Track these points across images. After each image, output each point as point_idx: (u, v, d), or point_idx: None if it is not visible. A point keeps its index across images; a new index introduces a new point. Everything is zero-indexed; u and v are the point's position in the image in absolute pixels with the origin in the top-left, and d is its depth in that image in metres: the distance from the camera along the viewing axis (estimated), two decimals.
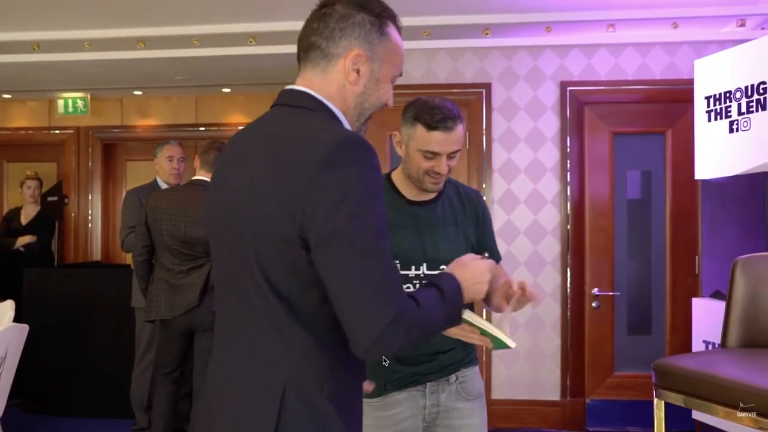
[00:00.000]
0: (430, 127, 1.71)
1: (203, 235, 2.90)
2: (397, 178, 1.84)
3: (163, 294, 2.95)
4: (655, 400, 1.69)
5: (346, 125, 1.21)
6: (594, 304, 3.91)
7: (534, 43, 3.88)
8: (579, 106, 3.91)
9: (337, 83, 1.19)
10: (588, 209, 3.95)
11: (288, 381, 1.08)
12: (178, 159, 3.67)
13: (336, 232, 1.03)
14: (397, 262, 1.70)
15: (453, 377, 1.77)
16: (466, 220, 1.85)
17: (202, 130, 5.56)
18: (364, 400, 1.74)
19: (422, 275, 1.74)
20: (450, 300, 1.16)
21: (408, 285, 1.71)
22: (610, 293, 3.90)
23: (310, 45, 1.20)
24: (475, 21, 3.75)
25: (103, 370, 3.96)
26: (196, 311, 2.93)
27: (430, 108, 1.72)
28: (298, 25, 4.08)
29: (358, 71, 1.19)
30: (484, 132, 3.95)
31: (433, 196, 1.82)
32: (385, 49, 1.20)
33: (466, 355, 1.80)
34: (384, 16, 1.21)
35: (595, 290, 3.90)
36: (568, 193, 3.89)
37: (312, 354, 1.09)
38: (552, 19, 3.73)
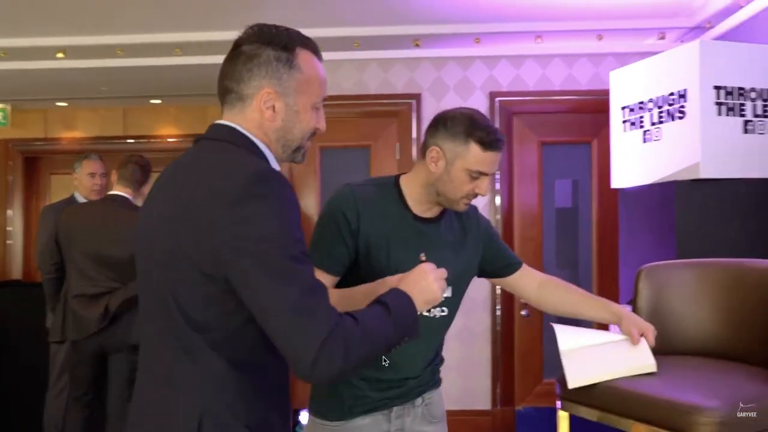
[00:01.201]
0: (487, 146, 1.58)
1: (118, 255, 2.81)
2: (409, 188, 1.68)
3: (70, 314, 2.83)
4: (559, 413, 1.70)
5: (271, 158, 1.21)
6: (523, 313, 3.95)
7: (463, 54, 3.92)
8: (508, 117, 3.96)
9: (255, 121, 1.19)
10: (517, 218, 3.99)
11: (205, 409, 1.08)
12: (100, 174, 3.56)
13: (251, 263, 1.04)
14: None
15: (419, 400, 1.71)
16: (465, 241, 1.76)
17: (130, 143, 5.41)
18: (323, 423, 1.67)
19: None
20: (398, 313, 1.17)
21: None
22: None
23: (224, 89, 1.21)
24: (405, 32, 3.76)
25: (18, 393, 3.80)
26: (108, 332, 2.83)
27: (484, 126, 1.59)
28: (225, 35, 3.98)
29: (273, 108, 1.19)
30: (414, 142, 3.96)
31: (438, 213, 1.71)
32: (297, 81, 1.19)
33: (432, 378, 1.76)
34: (292, 47, 1.20)
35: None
36: (498, 202, 3.93)
37: (229, 381, 1.10)
38: (481, 31, 3.76)
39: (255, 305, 1.05)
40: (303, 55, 1.21)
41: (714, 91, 2.31)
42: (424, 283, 1.26)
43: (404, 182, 1.71)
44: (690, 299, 1.80)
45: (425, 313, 1.60)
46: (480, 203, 3.91)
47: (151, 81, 4.59)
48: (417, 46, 3.86)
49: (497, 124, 3.90)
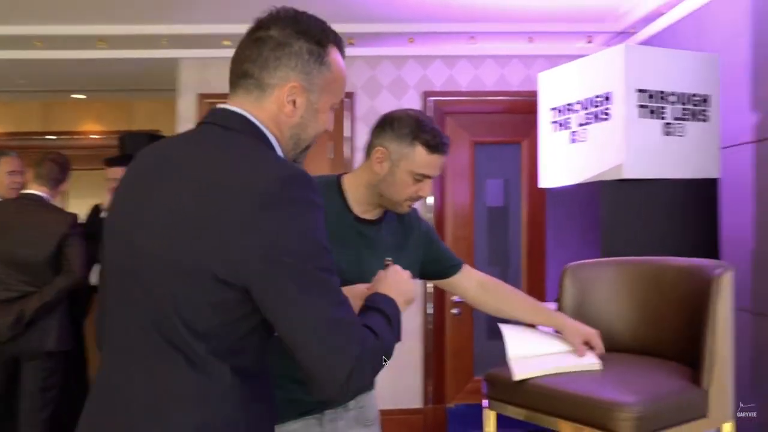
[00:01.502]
0: (433, 149, 1.59)
1: (33, 257, 2.67)
2: (351, 188, 1.66)
3: None
4: (486, 411, 1.71)
5: (280, 153, 1.13)
6: (454, 311, 3.98)
7: (397, 53, 3.92)
8: (441, 116, 3.98)
9: (271, 113, 1.11)
10: (449, 217, 4.02)
11: (203, 421, 1.00)
12: (19, 172, 3.39)
13: (283, 274, 0.97)
14: None
15: (352, 403, 1.68)
16: (407, 243, 1.74)
17: (51, 139, 5.18)
18: None
19: None
20: (395, 324, 1.14)
21: None
22: None
23: (242, 72, 1.12)
24: (339, 30, 3.68)
25: None
26: (22, 338, 2.68)
27: (430, 128, 1.60)
28: (151, 29, 3.83)
29: (294, 103, 1.11)
30: (347, 141, 3.94)
31: (379, 214, 1.69)
32: (324, 79, 1.13)
33: None
34: (325, 43, 1.13)
35: (455, 297, 3.96)
36: (431, 201, 3.95)
37: (231, 390, 1.02)
38: (415, 30, 3.77)
39: (283, 318, 0.98)
40: (333, 54, 1.15)
41: (637, 94, 2.37)
42: (404, 287, 1.24)
43: (347, 182, 1.69)
44: (612, 297, 1.83)
45: None
46: None
47: (73, 75, 4.40)
48: (351, 44, 3.82)
49: None
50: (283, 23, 1.12)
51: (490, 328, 4.06)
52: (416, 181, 1.62)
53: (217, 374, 1.01)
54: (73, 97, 5.07)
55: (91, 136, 5.17)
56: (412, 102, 3.95)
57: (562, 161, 2.66)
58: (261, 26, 1.13)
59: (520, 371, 1.60)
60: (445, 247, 1.86)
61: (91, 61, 3.97)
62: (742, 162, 2.73)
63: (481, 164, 4.06)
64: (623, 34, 3.76)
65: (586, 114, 2.52)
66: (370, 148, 1.66)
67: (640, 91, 2.37)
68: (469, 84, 3.98)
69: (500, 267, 4.15)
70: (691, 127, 2.49)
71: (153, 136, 4.30)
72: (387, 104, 3.94)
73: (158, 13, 3.45)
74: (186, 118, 3.90)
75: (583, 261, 1.93)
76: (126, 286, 1.06)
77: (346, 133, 3.93)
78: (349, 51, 4.15)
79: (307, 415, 1.61)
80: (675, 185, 2.45)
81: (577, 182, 2.57)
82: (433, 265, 1.81)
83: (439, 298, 3.95)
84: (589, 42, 3.91)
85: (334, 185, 1.68)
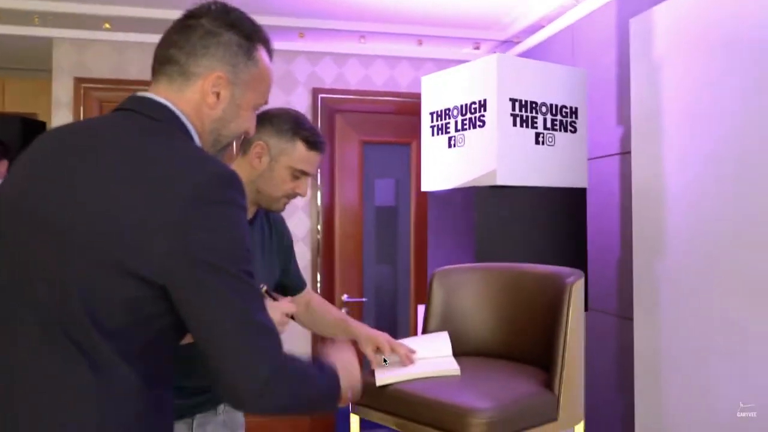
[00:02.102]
0: (312, 146, 1.61)
1: None
2: None
3: None
4: (351, 416, 1.71)
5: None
6: (344, 309, 3.99)
7: (287, 47, 3.86)
8: (330, 114, 3.96)
9: (194, 103, 1.08)
10: (338, 216, 4.02)
11: (99, 424, 0.94)
12: None
13: (208, 272, 0.95)
14: None
15: (221, 407, 1.65)
16: (271, 247, 1.75)
17: None
18: None
19: None
20: (329, 391, 1.13)
21: None
22: (359, 299, 4.02)
23: (167, 58, 1.08)
24: None
25: None
26: None
27: (309, 126, 1.62)
28: (21, 3, 3.54)
29: (218, 95, 1.08)
30: None
31: (252, 214, 1.67)
32: (251, 74, 1.11)
33: None
34: (254, 39, 1.12)
35: (345, 296, 3.99)
36: (319, 200, 3.93)
37: (134, 395, 0.96)
38: (305, 26, 3.72)
39: (203, 318, 0.96)
40: (262, 52, 1.14)
41: (510, 103, 2.45)
42: (353, 377, 1.24)
43: None
44: (476, 302, 1.89)
45: None
46: (302, 200, 3.88)
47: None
48: None
49: (320, 121, 3.90)
50: (214, 14, 1.11)
51: (378, 328, 4.08)
52: (294, 177, 1.64)
53: (119, 377, 0.96)
54: None
55: None
56: (301, 98, 3.90)
57: (442, 165, 2.71)
58: (192, 15, 1.12)
59: (381, 377, 1.62)
60: (296, 263, 1.90)
61: None
62: (608, 173, 2.89)
63: (371, 163, 4.08)
64: (507, 43, 3.89)
65: (463, 120, 2.58)
66: (247, 145, 1.66)
67: (513, 100, 2.45)
68: (358, 83, 3.98)
69: (388, 265, 4.19)
70: (561, 137, 2.60)
71: (27, 120, 4.00)
72: (276, 99, 3.86)
73: None
74: (62, 102, 3.66)
75: (450, 266, 1.97)
76: (24, 272, 0.98)
77: None
78: None
79: (177, 420, 1.56)
80: (545, 193, 2.56)
81: (454, 186, 2.63)
82: (283, 278, 1.83)
83: (329, 296, 3.93)
84: (477, 48, 4.01)
85: None
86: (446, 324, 1.85)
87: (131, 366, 0.97)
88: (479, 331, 1.88)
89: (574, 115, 2.64)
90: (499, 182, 2.44)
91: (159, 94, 1.09)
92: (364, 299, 4.02)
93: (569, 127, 2.62)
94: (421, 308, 3.00)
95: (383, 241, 4.18)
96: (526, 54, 3.74)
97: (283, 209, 1.72)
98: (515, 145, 2.47)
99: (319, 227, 3.93)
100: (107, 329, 0.95)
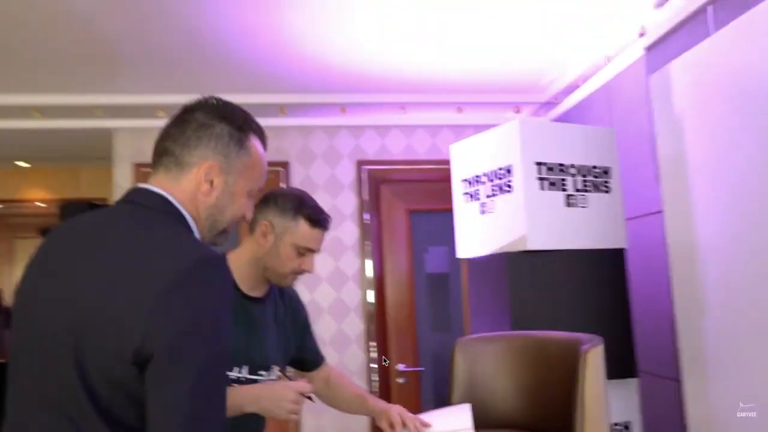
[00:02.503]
0: (315, 223, 1.69)
1: None
2: (236, 264, 1.69)
3: None
4: None
5: (197, 234, 1.17)
6: (400, 380, 3.95)
7: (330, 123, 4.01)
8: (376, 184, 4.06)
9: (189, 192, 1.16)
10: (389, 285, 4.04)
11: None
12: None
13: (174, 357, 0.98)
14: None
15: None
16: (286, 323, 1.82)
17: None
18: None
19: (243, 378, 1.67)
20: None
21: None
22: (416, 368, 3.97)
23: (164, 150, 1.18)
24: (271, 100, 3.82)
25: None
26: None
27: (312, 205, 1.71)
28: (85, 99, 3.85)
29: (211, 183, 1.16)
30: None
31: (265, 292, 1.76)
32: (242, 163, 1.19)
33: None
34: (246, 129, 1.20)
35: (400, 366, 3.95)
36: (369, 269, 3.97)
37: None
38: (346, 101, 3.88)
39: (155, 398, 0.98)
40: (254, 141, 1.22)
41: (536, 167, 2.45)
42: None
43: (232, 258, 1.74)
44: (499, 372, 1.87)
45: (248, 378, 1.67)
46: (352, 270, 3.94)
47: (14, 143, 4.42)
48: (283, 114, 3.92)
49: (365, 192, 4.00)
50: (208, 108, 1.20)
51: (436, 396, 4.03)
52: (299, 254, 1.71)
53: None
54: (17, 165, 5.07)
55: (38, 203, 5.16)
56: (346, 170, 4.02)
57: (475, 231, 2.71)
58: (188, 109, 1.21)
59: None
60: (315, 339, 1.93)
61: (29, 131, 3.99)
62: (650, 231, 2.81)
63: (419, 231, 4.12)
64: (548, 105, 3.90)
65: (492, 186, 2.59)
66: (254, 224, 1.75)
67: (539, 163, 2.45)
68: (401, 153, 4.08)
69: (444, 333, 4.15)
70: (594, 198, 2.56)
71: (92, 204, 4.30)
72: (321, 173, 4.01)
73: (92, 83, 3.52)
74: (123, 186, 3.92)
75: (474, 335, 1.97)
76: (32, 367, 1.07)
77: None
78: (282, 121, 4.24)
79: None
80: (581, 256, 2.51)
81: (488, 253, 2.61)
82: (299, 353, 1.88)
83: (384, 366, 3.92)
84: (517, 111, 4.05)
85: None
86: (470, 395, 1.83)
87: None
88: (502, 402, 1.85)
89: (606, 175, 2.60)
90: (530, 247, 2.42)
91: (157, 185, 1.18)
92: (420, 368, 3.97)
93: (602, 187, 2.59)
94: None
95: (437, 309, 4.15)
96: (565, 115, 3.74)
97: (292, 285, 1.79)
98: (544, 208, 2.46)
99: (369, 297, 3.96)
100: (102, 408, 1.01)
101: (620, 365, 2.48)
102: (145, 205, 1.14)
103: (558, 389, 1.69)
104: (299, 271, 1.73)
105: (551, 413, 1.71)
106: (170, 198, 1.15)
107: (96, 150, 4.38)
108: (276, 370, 1.71)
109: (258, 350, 1.72)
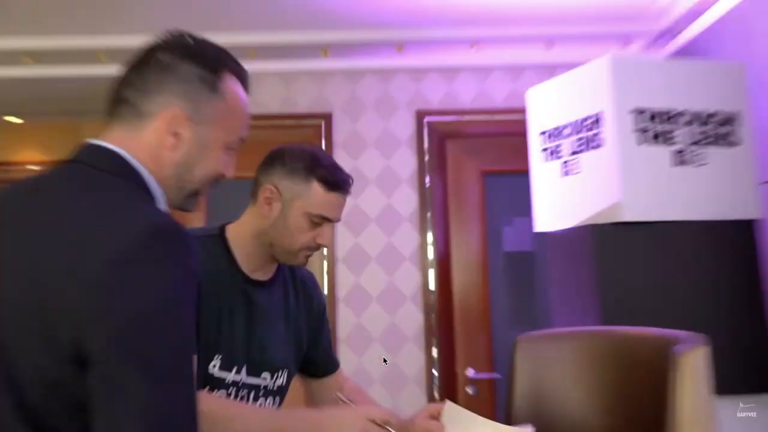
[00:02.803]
0: (332, 186, 1.69)
1: None
2: (237, 240, 1.72)
3: None
4: None
5: (159, 198, 1.18)
6: (469, 390, 3.92)
7: (383, 65, 3.97)
8: (440, 140, 4.00)
9: (150, 147, 1.17)
10: (456, 267, 4.00)
11: None
12: None
13: (123, 352, 0.98)
14: (220, 357, 1.64)
15: None
16: (298, 313, 1.82)
17: None
18: None
19: (240, 383, 1.68)
20: None
21: (221, 391, 1.64)
22: (490, 375, 3.93)
23: (119, 98, 1.19)
24: (311, 39, 3.81)
25: None
26: None
27: (328, 163, 1.71)
28: (89, 41, 3.95)
29: (177, 135, 1.17)
30: None
31: (272, 274, 1.77)
32: (216, 110, 1.20)
33: None
34: (219, 69, 1.21)
35: (470, 372, 3.92)
36: (431, 248, 3.94)
37: None
38: (405, 37, 3.82)
39: (105, 402, 0.97)
40: (230, 82, 1.23)
41: (633, 116, 2.34)
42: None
43: (232, 234, 1.75)
44: (572, 379, 1.81)
45: (252, 381, 1.68)
46: (409, 249, 3.92)
47: (0, 96, 4.59)
48: (325, 56, 3.90)
49: (427, 150, 3.94)
50: (171, 45, 1.21)
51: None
52: (313, 225, 1.69)
53: None
54: (6, 120, 5.21)
55: (30, 166, 5.33)
56: (403, 123, 3.98)
57: (556, 199, 2.64)
58: (148, 50, 1.22)
59: None
60: (329, 338, 1.92)
61: (19, 80, 4.13)
62: None
63: (494, 199, 4.04)
64: (664, 36, 3.72)
65: (577, 140, 2.51)
66: (256, 189, 1.75)
67: (638, 111, 2.34)
68: (473, 100, 3.99)
69: (525, 329, 4.06)
70: (714, 154, 2.43)
71: None
72: (373, 127, 3.98)
73: (93, 23, 3.59)
74: None
75: (537, 332, 1.93)
76: None
77: None
78: (324, 64, 4.25)
79: None
80: (694, 230, 2.39)
81: (571, 226, 2.53)
82: (311, 353, 1.86)
83: (448, 372, 3.91)
84: (625, 45, 3.87)
85: (217, 239, 1.72)
86: (534, 408, 1.80)
87: None
88: (576, 415, 1.79)
89: (731, 124, 2.46)
90: (627, 218, 2.34)
91: (111, 141, 1.18)
92: (495, 375, 3.91)
93: (726, 140, 2.44)
94: None
95: (518, 298, 4.09)
96: (687, 48, 3.55)
97: (304, 264, 1.77)
98: (645, 168, 2.35)
99: (432, 283, 3.93)
100: (36, 417, 1.01)
101: (751, 376, 2.35)
102: (94, 166, 1.14)
103: (647, 403, 1.61)
104: (313, 247, 1.72)
105: (639, 427, 1.64)
106: (126, 155, 1.15)
107: (99, 102, 4.48)
108: (336, 396, 1.68)
109: (261, 347, 1.72)
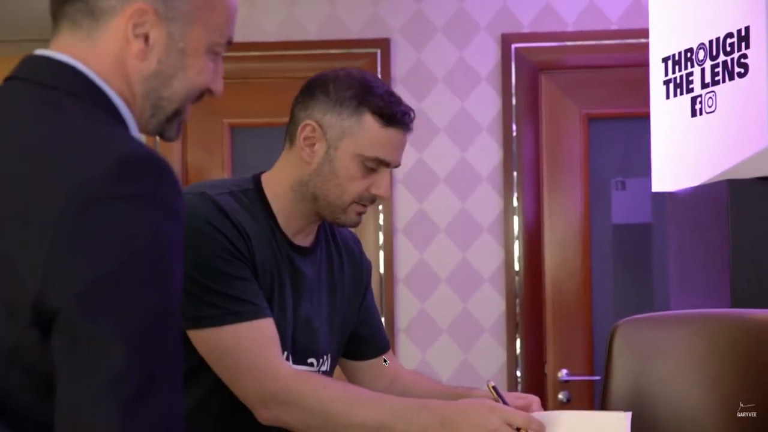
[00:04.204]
0: (389, 119, 1.72)
1: None
2: (276, 193, 1.78)
3: None
4: None
5: (131, 123, 1.20)
6: (562, 396, 3.93)
7: None
8: (532, 74, 3.98)
9: (114, 56, 1.17)
10: (549, 241, 4.00)
11: None
12: None
13: (93, 312, 1.01)
14: None
15: None
16: (344, 287, 1.89)
17: None
18: None
19: None
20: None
21: None
22: (590, 377, 3.93)
23: None
24: None
25: None
26: None
27: (382, 90, 1.75)
28: None
29: (146, 38, 1.17)
30: None
31: (313, 238, 1.84)
32: (192, 1, 1.20)
33: None
34: None
35: (564, 373, 3.91)
36: (517, 215, 3.93)
37: None
38: None
39: (73, 366, 1.01)
40: None
41: None
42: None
43: (269, 186, 1.79)
44: (683, 370, 1.85)
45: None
46: (489, 217, 3.92)
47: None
48: None
49: (515, 87, 3.92)
50: None
51: None
52: (367, 170, 1.72)
53: None
54: None
55: None
56: (485, 51, 3.96)
57: (682, 147, 2.62)
58: None
59: None
60: (376, 309, 1.99)
61: None
62: None
63: (601, 154, 4.00)
64: None
65: (713, 67, 2.47)
66: (293, 128, 1.77)
67: None
68: (578, 21, 3.94)
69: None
70: None
71: None
72: (443, 56, 3.98)
73: None
74: None
75: (643, 315, 1.97)
76: None
77: None
78: None
79: None
80: None
81: (702, 182, 2.52)
82: (358, 329, 1.92)
83: (536, 373, 3.94)
84: None
85: (254, 195, 1.77)
86: (635, 404, 1.80)
87: None
88: (690, 423, 1.81)
89: None
90: None
91: (61, 49, 1.17)
92: (596, 378, 3.91)
93: None
94: None
95: (630, 281, 4.07)
96: None
97: (357, 222, 1.81)
98: None
99: (518, 261, 3.92)
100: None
101: None
102: (42, 83, 1.14)
103: None
104: (368, 198, 1.75)
105: None
106: (83, 69, 1.15)
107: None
108: (490, 386, 1.73)
109: (307, 329, 1.78)
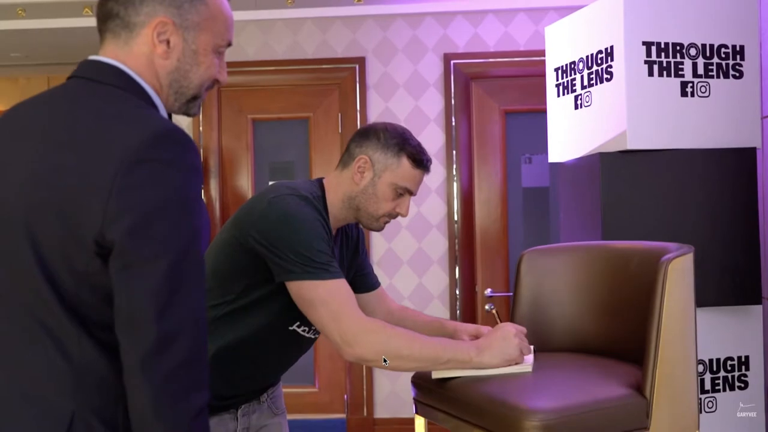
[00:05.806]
0: (419, 163, 1.75)
1: None
2: (333, 202, 1.77)
3: None
4: (415, 417, 1.70)
5: (161, 107, 1.18)
6: (487, 307, 3.94)
7: (413, 10, 3.89)
8: (465, 82, 3.93)
9: (145, 57, 1.16)
10: (478, 199, 3.98)
11: (76, 409, 1.04)
12: None
13: (138, 244, 1.01)
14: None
15: (264, 395, 1.83)
16: (348, 254, 1.89)
17: None
18: None
19: (310, 336, 1.77)
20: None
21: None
22: (506, 293, 3.94)
23: (107, 12, 1.17)
24: None
25: None
26: None
27: (416, 143, 1.78)
28: None
29: (168, 43, 1.16)
30: (358, 112, 3.95)
31: (336, 230, 1.83)
32: (200, 14, 1.18)
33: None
34: None
35: (488, 291, 3.93)
36: (456, 181, 3.91)
37: (106, 378, 1.06)
38: None
39: (128, 294, 1.01)
40: None
41: (643, 48, 2.25)
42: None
43: (328, 195, 1.79)
44: (570, 288, 1.79)
45: (299, 331, 1.75)
46: (436, 182, 3.90)
47: (76, 45, 4.60)
48: (359, 1, 3.84)
49: (453, 91, 3.89)
50: None
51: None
52: (397, 195, 1.76)
53: (91, 361, 1.05)
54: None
55: None
56: (431, 66, 3.91)
57: (569, 131, 2.58)
58: None
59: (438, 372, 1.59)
60: (367, 259, 1.99)
61: (91, 29, 4.13)
62: None
63: (515, 137, 3.98)
64: None
65: (589, 74, 2.43)
66: (350, 158, 1.78)
67: (647, 43, 2.25)
68: (497, 43, 3.90)
69: None
70: (719, 86, 2.33)
71: None
72: (403, 69, 3.92)
73: None
74: None
75: (540, 246, 1.88)
76: None
77: (357, 104, 3.95)
78: (357, 10, 4.18)
79: (222, 412, 1.73)
80: (696, 157, 2.31)
81: (580, 156, 2.49)
82: (357, 271, 1.91)
83: (469, 291, 3.93)
84: None
85: (321, 202, 1.76)
86: (536, 315, 1.78)
87: (100, 351, 1.05)
88: (574, 324, 1.77)
89: (738, 56, 2.35)
90: (631, 146, 2.26)
91: (106, 55, 1.16)
92: (511, 294, 3.92)
93: (731, 72, 2.35)
94: None
95: (534, 228, 4.06)
96: None
97: (382, 228, 1.83)
98: (653, 99, 2.27)
99: (456, 213, 3.91)
100: (71, 306, 1.04)
101: (741, 289, 2.31)
102: (97, 80, 1.13)
103: (636, 307, 1.59)
104: (394, 215, 1.78)
105: (627, 336, 1.61)
106: (123, 68, 1.14)
107: (84, 53, 4.47)
108: (492, 310, 1.75)
109: None
